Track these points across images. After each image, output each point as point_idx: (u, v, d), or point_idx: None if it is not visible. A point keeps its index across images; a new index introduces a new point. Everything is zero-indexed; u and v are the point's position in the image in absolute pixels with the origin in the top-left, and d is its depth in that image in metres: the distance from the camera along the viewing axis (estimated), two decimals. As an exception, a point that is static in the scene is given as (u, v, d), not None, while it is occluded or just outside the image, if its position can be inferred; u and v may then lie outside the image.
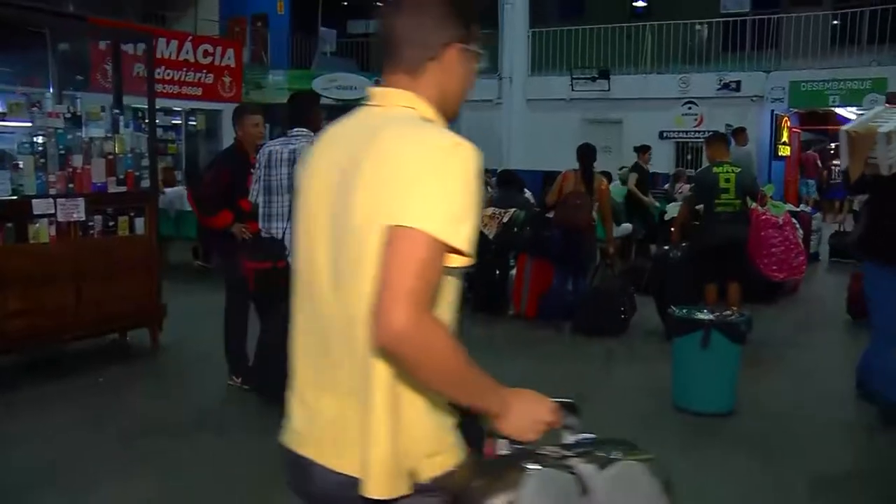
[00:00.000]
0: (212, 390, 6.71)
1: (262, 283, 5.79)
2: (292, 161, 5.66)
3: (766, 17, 20.05)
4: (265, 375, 5.93)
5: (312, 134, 5.77)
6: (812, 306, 10.78)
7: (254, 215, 6.06)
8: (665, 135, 20.48)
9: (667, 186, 16.86)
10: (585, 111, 21.07)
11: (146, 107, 8.19)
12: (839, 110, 21.07)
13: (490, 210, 9.79)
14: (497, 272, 9.67)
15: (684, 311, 6.39)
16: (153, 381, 7.14)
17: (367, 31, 25.88)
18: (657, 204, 14.58)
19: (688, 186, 17.00)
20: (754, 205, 8.40)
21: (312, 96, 6.13)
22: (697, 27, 21.15)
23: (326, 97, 19.57)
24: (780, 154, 20.27)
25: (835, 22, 19.75)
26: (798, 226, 11.49)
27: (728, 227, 8.14)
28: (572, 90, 20.93)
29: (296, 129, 5.88)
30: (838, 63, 19.08)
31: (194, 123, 17.17)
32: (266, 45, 22.44)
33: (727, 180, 8.17)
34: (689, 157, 20.38)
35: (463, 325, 1.82)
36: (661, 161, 19.72)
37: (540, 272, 9.51)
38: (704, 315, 6.28)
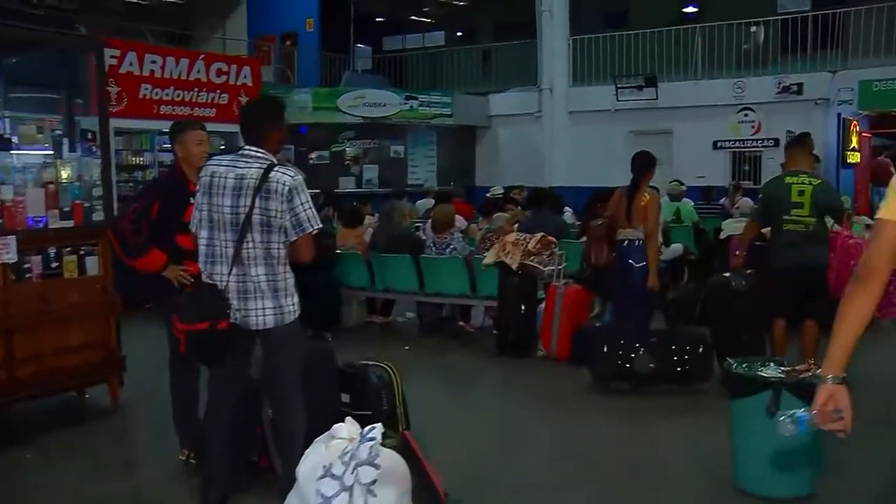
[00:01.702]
0: (165, 464, 5.47)
1: (195, 350, 4.42)
2: (238, 190, 4.30)
3: (829, 12, 18.42)
4: (201, 457, 4.66)
5: (268, 156, 4.41)
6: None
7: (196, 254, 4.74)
8: (719, 144, 18.97)
9: (723, 201, 15.36)
10: (632, 122, 19.64)
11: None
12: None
13: (513, 236, 8.43)
14: (523, 307, 8.28)
15: (744, 365, 4.97)
16: (98, 452, 5.91)
17: (404, 46, 24.92)
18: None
19: (746, 200, 15.59)
20: (836, 227, 6.96)
21: (272, 105, 4.71)
22: (753, 28, 19.61)
23: (353, 115, 18.50)
24: (848, 161, 18.59)
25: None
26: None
27: (798, 249, 6.68)
28: (617, 100, 19.51)
29: (247, 149, 4.48)
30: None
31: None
32: (293, 63, 21.49)
33: (801, 192, 6.69)
34: (746, 167, 18.81)
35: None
36: (716, 173, 18.31)
37: (573, 306, 8.14)
38: (771, 371, 4.86)
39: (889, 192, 2.61)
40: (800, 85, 18.04)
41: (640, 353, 7.06)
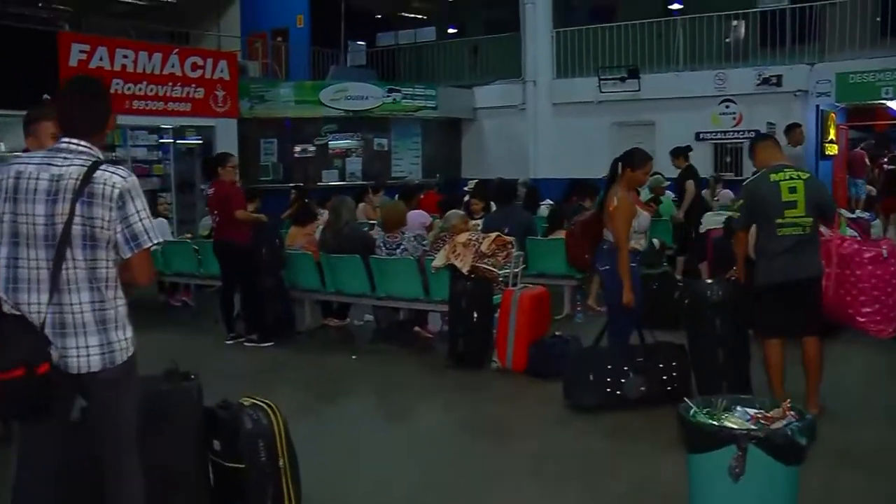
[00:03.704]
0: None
1: (9, 405, 3.13)
2: (53, 194, 3.06)
3: (807, 5, 17.17)
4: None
5: (93, 151, 3.18)
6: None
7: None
8: (702, 136, 17.61)
9: (704, 192, 14.03)
10: (615, 114, 18.28)
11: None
12: (891, 104, 18.14)
13: (464, 236, 7.15)
14: (475, 314, 6.99)
15: (704, 410, 3.70)
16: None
17: (396, 42, 23.68)
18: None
19: (727, 192, 14.28)
20: (824, 229, 5.68)
21: (92, 85, 3.45)
22: (734, 22, 18.26)
23: (335, 108, 17.23)
24: (827, 153, 17.31)
25: (882, 8, 16.78)
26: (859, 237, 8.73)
27: (799, 257, 5.36)
28: (600, 92, 18.16)
29: (65, 142, 3.24)
30: (889, 52, 16.13)
31: (186, 142, 14.80)
32: (283, 59, 20.22)
33: (793, 190, 5.34)
34: (728, 159, 17.50)
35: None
36: (699, 164, 16.81)
37: (530, 312, 6.86)
38: (738, 417, 3.60)
39: None
40: (779, 77, 16.80)
41: (630, 376, 5.79)
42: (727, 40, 18.27)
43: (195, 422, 3.83)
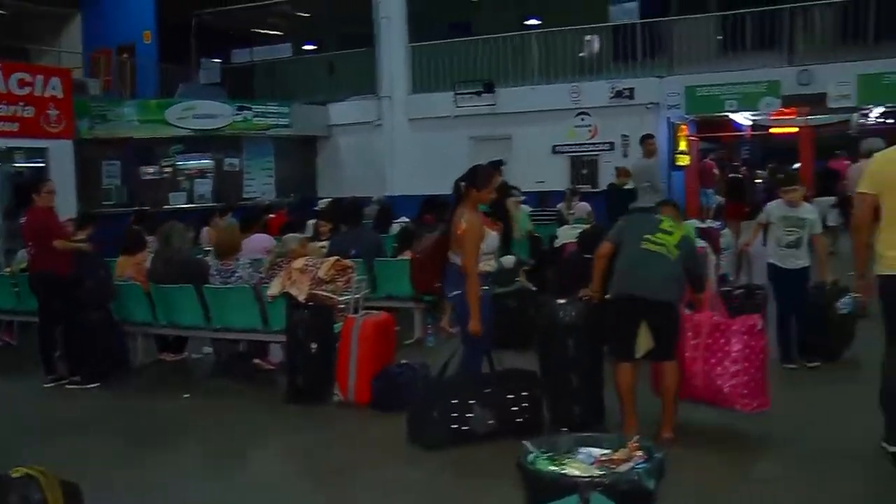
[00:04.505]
0: None
1: None
2: None
3: (655, 20, 17.49)
4: None
5: None
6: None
7: None
8: (558, 149, 17.59)
9: (560, 206, 13.90)
10: (472, 128, 17.99)
11: None
12: (735, 116, 18.79)
13: (301, 262, 6.59)
14: (314, 345, 6.42)
15: (545, 454, 3.28)
16: None
17: (252, 59, 22.85)
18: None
19: (584, 205, 14.17)
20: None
21: None
22: (587, 36, 18.34)
23: (183, 127, 16.36)
24: (678, 164, 17.58)
25: (722, 26, 17.27)
26: (707, 246, 8.61)
27: (649, 274, 5.12)
28: (457, 106, 17.89)
29: None
30: (732, 67, 16.64)
31: (19, 165, 13.68)
32: (128, 76, 19.14)
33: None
34: (584, 171, 17.47)
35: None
36: (556, 177, 16.96)
37: (373, 340, 6.35)
38: (581, 461, 3.20)
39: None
40: (631, 90, 16.96)
41: (476, 409, 5.32)
42: (581, 54, 18.35)
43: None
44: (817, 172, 16.82)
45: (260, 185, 18.41)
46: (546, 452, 3.31)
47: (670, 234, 5.19)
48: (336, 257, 6.81)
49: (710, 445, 5.20)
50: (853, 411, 5.61)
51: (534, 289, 8.70)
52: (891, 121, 17.88)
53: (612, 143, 17.01)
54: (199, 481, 5.23)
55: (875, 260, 4.85)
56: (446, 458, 5.18)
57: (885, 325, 4.90)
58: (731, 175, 18.44)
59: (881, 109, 17.66)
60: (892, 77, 15.05)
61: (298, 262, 6.56)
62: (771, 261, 6.98)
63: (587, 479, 3.04)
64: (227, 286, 7.21)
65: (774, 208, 6.97)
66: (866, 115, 18.25)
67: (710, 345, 5.17)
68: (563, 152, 17.64)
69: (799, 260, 6.82)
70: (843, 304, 7.05)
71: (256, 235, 9.30)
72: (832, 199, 13.33)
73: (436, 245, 5.83)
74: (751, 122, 20.13)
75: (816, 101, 16.11)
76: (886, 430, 4.73)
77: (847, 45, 16.00)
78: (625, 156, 16.08)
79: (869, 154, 9.21)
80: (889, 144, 10.40)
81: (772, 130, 21.20)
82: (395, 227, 11.38)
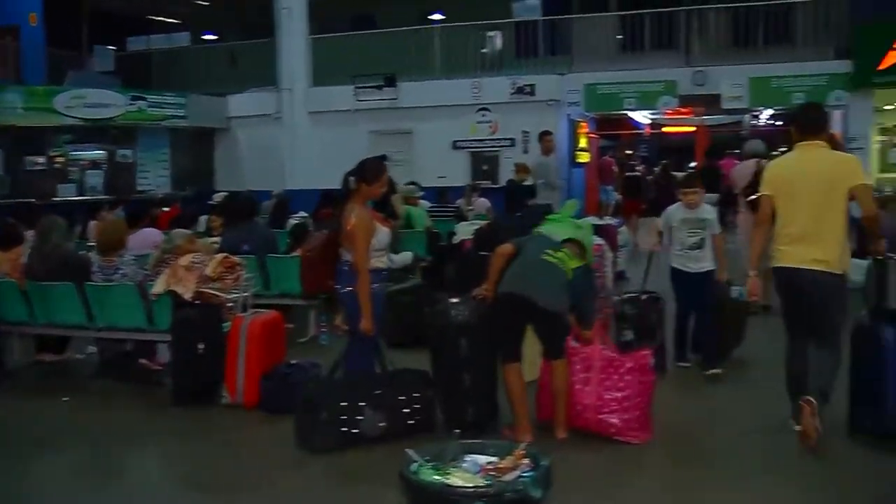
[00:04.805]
0: None
1: None
2: None
3: (557, 18, 17.64)
4: None
5: None
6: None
7: None
8: (459, 144, 17.58)
9: (459, 202, 13.83)
10: (373, 122, 17.87)
11: None
12: (634, 114, 19.20)
13: (187, 258, 6.33)
14: (201, 346, 6.17)
15: (430, 463, 3.17)
16: None
17: (149, 47, 22.09)
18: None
19: (483, 201, 14.13)
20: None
21: None
22: (490, 32, 18.34)
23: (72, 116, 15.67)
24: (578, 161, 17.76)
25: (622, 26, 17.62)
26: (605, 244, 8.66)
27: (538, 278, 5.09)
28: (357, 100, 17.68)
29: None
30: (631, 66, 16.93)
31: None
32: (10, 60, 18.18)
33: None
34: (485, 167, 17.48)
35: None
36: (457, 173, 16.94)
37: (261, 339, 6.14)
38: (466, 469, 3.09)
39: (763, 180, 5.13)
40: (532, 86, 17.06)
41: (367, 411, 5.16)
42: (483, 50, 18.35)
43: None
44: (701, 170, 17.27)
45: (155, 177, 17.83)
46: (430, 461, 3.20)
47: (570, 259, 5.17)
48: (224, 254, 6.56)
49: (599, 449, 5.17)
50: (739, 411, 5.71)
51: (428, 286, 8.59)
52: (779, 123, 18.47)
53: (512, 140, 17.11)
54: (74, 493, 4.95)
55: (771, 256, 5.15)
56: (334, 463, 5.02)
57: (784, 320, 5.16)
58: (627, 173, 18.76)
59: (770, 112, 18.29)
60: (779, 80, 15.58)
61: (185, 259, 6.29)
62: (674, 265, 6.86)
63: (471, 490, 2.95)
64: (110, 283, 6.87)
65: (675, 211, 6.81)
66: (757, 117, 18.87)
67: (602, 380, 5.11)
68: (464, 148, 17.66)
69: (703, 262, 6.71)
70: (735, 292, 7.01)
71: (145, 230, 8.95)
72: (714, 196, 13.60)
73: (326, 242, 5.69)
74: (649, 121, 20.51)
75: (711, 102, 16.55)
76: (794, 412, 4.95)
77: (739, 48, 16.50)
78: (525, 152, 16.17)
79: (751, 155, 9.50)
80: (770, 146, 10.81)
81: (666, 129, 21.68)
82: (292, 223, 11.14)
